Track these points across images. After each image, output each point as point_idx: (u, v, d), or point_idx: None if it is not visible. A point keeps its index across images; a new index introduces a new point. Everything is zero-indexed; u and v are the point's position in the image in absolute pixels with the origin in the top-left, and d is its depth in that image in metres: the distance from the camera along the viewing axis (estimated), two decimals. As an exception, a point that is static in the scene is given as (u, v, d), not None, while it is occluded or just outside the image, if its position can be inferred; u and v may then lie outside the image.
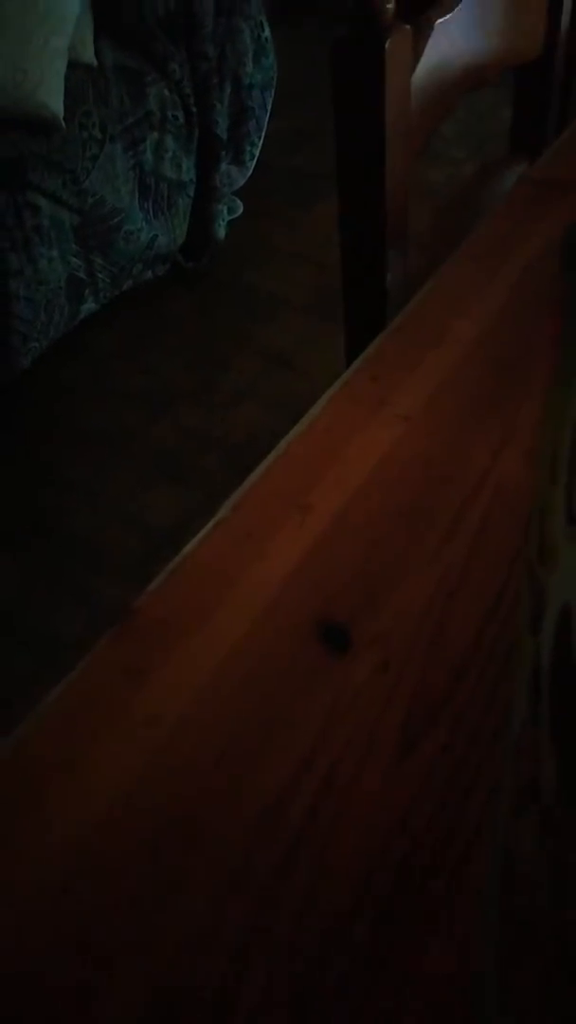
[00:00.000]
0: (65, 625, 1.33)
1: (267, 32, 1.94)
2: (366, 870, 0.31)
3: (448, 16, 0.66)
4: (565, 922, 0.19)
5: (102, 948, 0.30)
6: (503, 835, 0.23)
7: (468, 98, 0.80)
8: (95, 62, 1.65)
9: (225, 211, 1.97)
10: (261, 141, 2.06)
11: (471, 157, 2.28)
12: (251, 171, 2.07)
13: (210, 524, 0.43)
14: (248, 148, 2.02)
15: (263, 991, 0.29)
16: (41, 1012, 0.29)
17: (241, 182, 2.06)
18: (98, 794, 0.33)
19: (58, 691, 0.36)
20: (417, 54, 0.63)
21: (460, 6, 0.68)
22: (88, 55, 1.64)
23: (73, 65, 1.60)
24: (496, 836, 0.24)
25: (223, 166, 1.91)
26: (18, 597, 1.38)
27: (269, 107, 2.04)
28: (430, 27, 0.65)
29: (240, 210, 2.07)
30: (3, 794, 0.33)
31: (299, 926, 0.30)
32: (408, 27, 0.59)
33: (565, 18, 0.89)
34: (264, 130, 2.06)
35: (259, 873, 0.31)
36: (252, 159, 2.05)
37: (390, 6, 0.56)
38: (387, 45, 0.57)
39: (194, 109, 1.79)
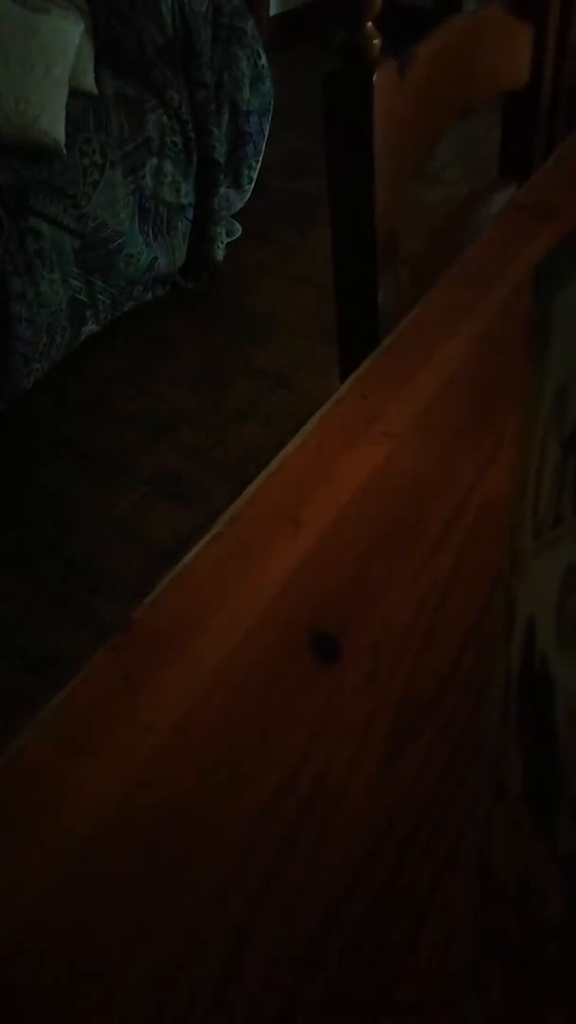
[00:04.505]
0: (66, 645, 1.34)
1: (264, 59, 1.98)
2: (355, 870, 0.33)
3: (434, 49, 0.69)
4: (528, 922, 0.20)
5: (101, 945, 0.31)
6: (479, 834, 0.24)
7: (462, 120, 0.83)
8: (95, 90, 1.69)
9: (223, 233, 2.00)
10: (259, 165, 2.10)
11: (466, 178, 2.31)
12: (249, 194, 2.11)
13: (206, 538, 0.44)
14: (246, 172, 2.06)
15: (257, 986, 0.30)
16: (42, 1010, 0.30)
17: (239, 205, 2.10)
18: (96, 798, 0.34)
19: (59, 698, 0.37)
20: (405, 85, 0.65)
21: (446, 39, 0.71)
22: (89, 83, 1.68)
23: (74, 93, 1.64)
24: (474, 836, 0.25)
25: (222, 190, 1.95)
26: (19, 617, 1.39)
27: (266, 132, 2.08)
28: (417, 59, 0.67)
29: (238, 232, 2.10)
30: (4, 797, 0.34)
31: (291, 924, 0.31)
32: (394, 61, 0.62)
33: (551, 47, 0.91)
34: (262, 154, 2.10)
35: (252, 873, 0.32)
36: (250, 183, 2.09)
37: (376, 42, 0.58)
38: (374, 78, 0.59)
39: (192, 135, 1.83)
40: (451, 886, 0.32)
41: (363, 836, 0.33)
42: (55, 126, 1.56)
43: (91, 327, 1.74)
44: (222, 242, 1.99)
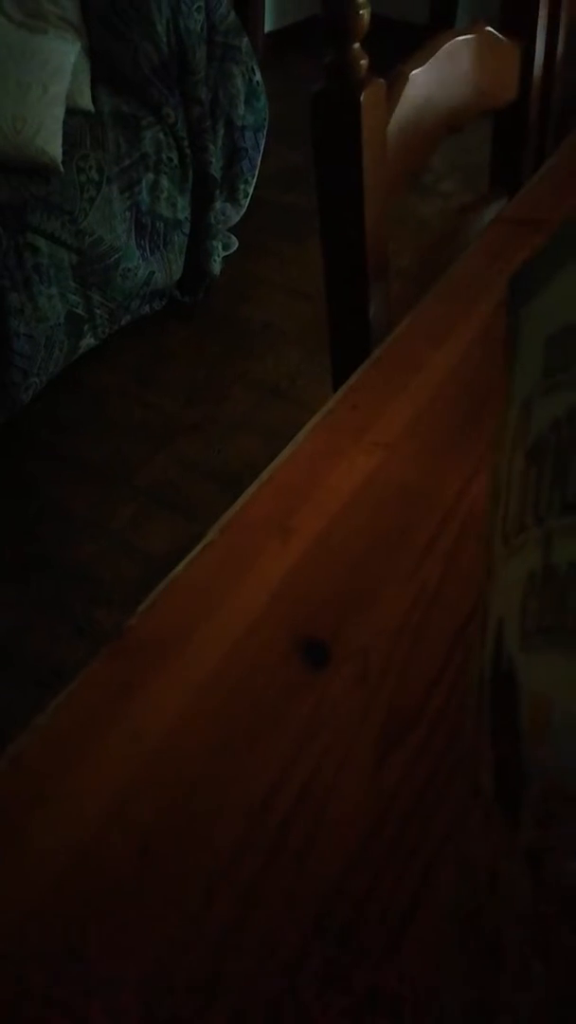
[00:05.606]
0: (65, 656, 1.35)
1: (258, 76, 2.00)
2: (344, 870, 0.33)
3: (421, 68, 0.70)
4: (497, 911, 0.21)
5: (97, 942, 0.32)
6: (460, 830, 0.25)
7: (456, 133, 0.84)
8: (92, 108, 1.71)
9: (220, 247, 2.02)
10: (255, 179, 2.12)
11: (460, 191, 2.33)
12: (245, 208, 2.13)
13: (199, 547, 0.45)
14: (242, 186, 2.08)
15: (247, 982, 0.31)
16: (39, 1007, 0.31)
17: (236, 219, 2.12)
18: (92, 800, 0.35)
19: (54, 705, 0.38)
20: (392, 104, 0.67)
21: (434, 57, 0.72)
22: (85, 102, 1.70)
23: (71, 111, 1.66)
24: (456, 832, 0.26)
25: (218, 204, 1.97)
26: (19, 628, 1.40)
27: (262, 147, 2.11)
28: (404, 78, 0.68)
29: (235, 246, 2.12)
30: (2, 800, 0.35)
31: (281, 922, 0.32)
32: (382, 80, 0.63)
33: (538, 63, 0.93)
34: (257, 168, 2.12)
35: (243, 873, 0.33)
36: (246, 197, 2.11)
37: (364, 62, 0.60)
38: (361, 98, 0.60)
39: (188, 151, 1.85)
40: (437, 885, 0.33)
41: (352, 837, 0.34)
42: (52, 144, 1.58)
43: (89, 341, 1.76)
44: (219, 256, 2.01)
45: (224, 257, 2.05)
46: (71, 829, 0.34)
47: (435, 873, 0.33)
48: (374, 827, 0.34)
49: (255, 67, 1.98)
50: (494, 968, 0.19)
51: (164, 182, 1.80)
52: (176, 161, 1.83)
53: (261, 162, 2.13)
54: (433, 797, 0.35)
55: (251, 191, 2.12)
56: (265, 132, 2.10)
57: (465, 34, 0.79)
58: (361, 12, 0.57)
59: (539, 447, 0.20)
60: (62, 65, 1.63)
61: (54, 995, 0.31)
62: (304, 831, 0.34)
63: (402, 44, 0.92)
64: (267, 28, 2.93)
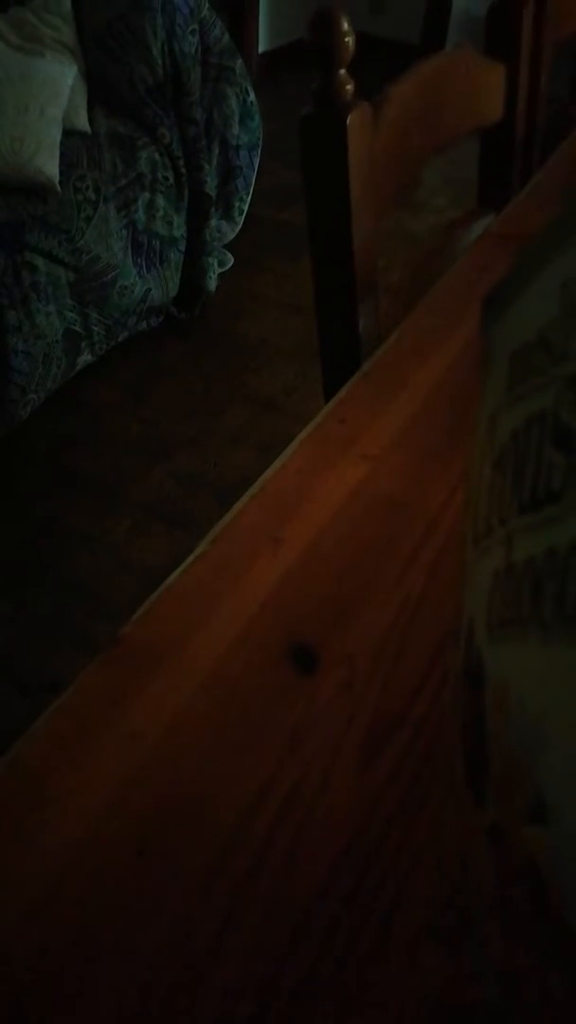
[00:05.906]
0: (65, 670, 1.36)
1: (252, 96, 2.03)
2: (331, 868, 0.34)
3: (408, 90, 0.72)
4: (466, 895, 0.22)
5: (94, 936, 0.33)
6: (440, 828, 0.26)
7: (448, 148, 0.86)
8: (89, 129, 1.74)
9: (216, 264, 2.04)
10: (249, 197, 2.15)
11: (452, 206, 2.36)
12: (240, 225, 2.16)
13: (191, 557, 0.46)
14: (237, 204, 2.11)
15: (238, 973, 0.32)
16: (38, 1002, 0.32)
17: (231, 236, 2.14)
18: (88, 801, 0.36)
19: (51, 710, 0.39)
20: (379, 127, 0.69)
21: (419, 79, 0.75)
22: (82, 123, 1.73)
23: (68, 132, 1.69)
24: (437, 829, 0.27)
25: (213, 222, 2.00)
26: (18, 643, 1.41)
27: (256, 165, 2.14)
28: (390, 101, 0.70)
29: (230, 263, 2.15)
30: (2, 801, 0.36)
31: (271, 915, 0.33)
32: (368, 104, 0.65)
33: (523, 83, 0.95)
34: (252, 186, 2.15)
35: (233, 873, 0.34)
36: (241, 214, 2.14)
37: (349, 87, 0.62)
38: (348, 121, 0.62)
39: (184, 170, 1.87)
40: (421, 882, 0.34)
41: (338, 836, 0.35)
42: (49, 164, 1.61)
43: (86, 357, 1.78)
44: (214, 272, 2.04)
45: (220, 274, 2.08)
46: (69, 830, 0.35)
47: (418, 870, 0.34)
48: (360, 827, 0.36)
49: (249, 87, 2.01)
50: (466, 941, 0.21)
51: (160, 201, 1.83)
52: (172, 180, 1.85)
53: (256, 180, 2.16)
54: (417, 798, 0.37)
55: (246, 208, 2.15)
56: (259, 151, 2.13)
57: (451, 56, 0.81)
58: (346, 40, 0.59)
59: (502, 456, 0.22)
60: (59, 87, 1.65)
61: (54, 994, 0.32)
62: (293, 830, 0.35)
63: (396, 61, 0.94)
64: (261, 49, 2.97)
